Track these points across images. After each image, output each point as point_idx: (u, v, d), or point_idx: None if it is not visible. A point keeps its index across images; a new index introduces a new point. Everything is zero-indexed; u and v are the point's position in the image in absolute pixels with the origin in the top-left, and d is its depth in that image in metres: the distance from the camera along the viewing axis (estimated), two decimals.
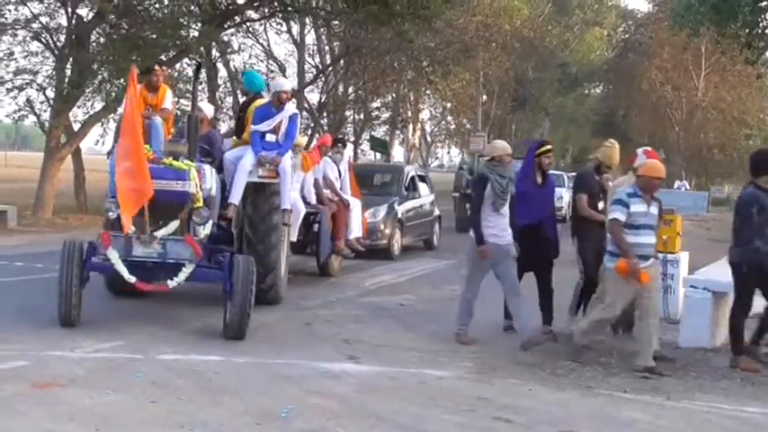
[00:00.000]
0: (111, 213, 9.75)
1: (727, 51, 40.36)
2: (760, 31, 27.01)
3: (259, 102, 12.39)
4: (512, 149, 10.51)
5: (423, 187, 21.48)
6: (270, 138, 12.02)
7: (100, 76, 25.44)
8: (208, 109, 12.77)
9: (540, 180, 10.92)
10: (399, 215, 18.95)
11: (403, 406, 7.34)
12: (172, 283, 9.60)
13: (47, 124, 25.08)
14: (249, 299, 9.49)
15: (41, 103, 26.18)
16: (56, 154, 24.08)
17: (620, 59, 63.06)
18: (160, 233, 9.61)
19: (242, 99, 14.74)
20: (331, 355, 9.19)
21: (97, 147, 31.12)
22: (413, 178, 21.00)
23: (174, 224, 9.76)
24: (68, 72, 24.13)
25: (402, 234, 19.25)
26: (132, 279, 9.44)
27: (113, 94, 25.43)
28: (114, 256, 9.40)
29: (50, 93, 25.30)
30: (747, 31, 26.93)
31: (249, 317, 9.55)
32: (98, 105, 26.60)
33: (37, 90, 25.97)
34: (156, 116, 11.39)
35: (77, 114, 26.18)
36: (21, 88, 25.75)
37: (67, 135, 24.75)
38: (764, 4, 25.79)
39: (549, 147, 11.08)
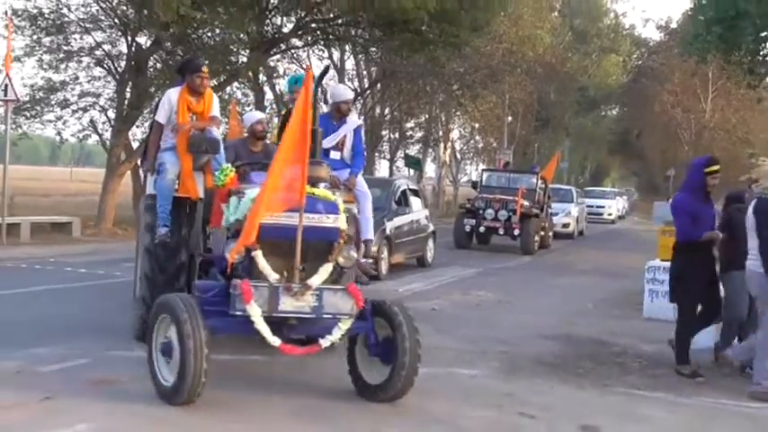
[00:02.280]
0: (226, 255, 7.10)
1: (731, 77, 40.11)
2: (761, 58, 26.78)
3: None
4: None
5: (415, 202, 19.23)
6: (334, 155, 9.43)
7: (156, 99, 25.50)
8: (256, 116, 9.97)
9: (704, 197, 9.15)
10: (387, 232, 16.77)
11: (437, 402, 7.30)
12: (325, 343, 6.94)
13: (108, 143, 25.23)
14: (418, 352, 7.12)
15: (103, 123, 26.39)
16: (116, 170, 24.21)
17: (635, 84, 62.71)
18: (313, 281, 6.89)
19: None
20: None
21: None
22: (404, 192, 18.67)
23: (327, 269, 7.04)
24: (128, 95, 24.29)
25: (390, 252, 16.94)
26: (277, 342, 6.72)
27: None
28: (257, 312, 6.61)
29: (111, 114, 25.50)
30: (750, 58, 26.72)
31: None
32: None
33: (99, 111, 26.23)
34: (213, 127, 9.10)
35: (136, 133, 26.35)
36: (85, 110, 26.03)
37: (127, 153, 24.87)
38: (765, 34, 25.56)
39: (717, 167, 9.10)
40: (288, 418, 6.72)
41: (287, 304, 6.75)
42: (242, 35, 23.97)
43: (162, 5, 18.53)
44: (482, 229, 24.07)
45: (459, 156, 57.18)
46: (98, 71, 25.66)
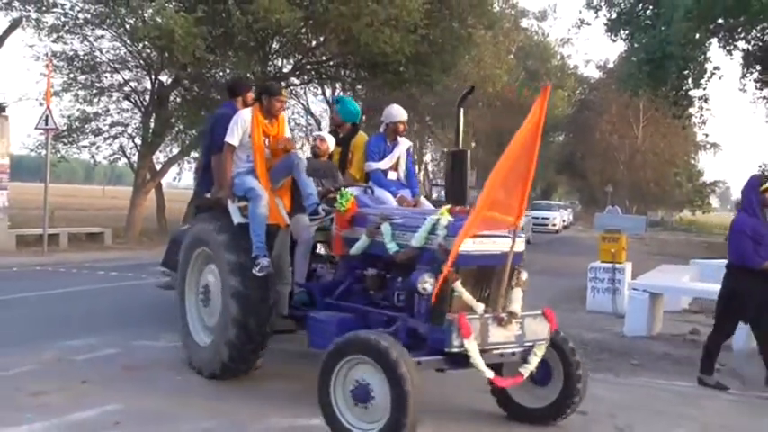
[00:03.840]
0: (426, 286, 5.56)
1: (659, 108, 40.56)
2: (683, 93, 27.04)
3: (362, 135, 8.55)
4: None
5: None
6: (391, 176, 8.17)
7: (176, 128, 25.60)
8: (330, 141, 8.24)
9: (764, 218, 7.74)
10: None
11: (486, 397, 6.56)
12: (525, 372, 5.80)
13: (135, 165, 25.20)
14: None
15: (131, 148, 26.23)
16: (142, 188, 24.21)
17: (578, 114, 63.10)
18: (514, 308, 5.72)
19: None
20: None
21: (174, 182, 31.34)
22: None
23: (518, 295, 5.87)
24: (152, 125, 24.29)
25: None
26: (491, 374, 5.49)
27: (187, 142, 25.69)
28: (474, 347, 5.35)
29: (138, 140, 25.39)
30: (674, 93, 26.87)
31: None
32: (175, 150, 26.80)
33: (127, 138, 26.10)
34: (296, 150, 7.70)
35: (159, 157, 26.32)
36: (115, 137, 25.91)
37: (151, 173, 24.89)
38: (686, 72, 25.85)
39: None
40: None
41: (496, 335, 5.55)
42: (249, 74, 23.98)
43: (181, 49, 18.52)
44: None
45: (431, 176, 57.21)
46: (126, 104, 25.64)
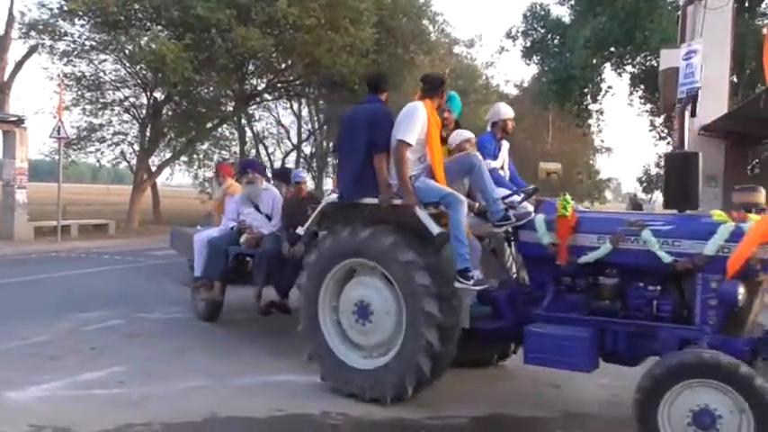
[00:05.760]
0: (741, 297, 4.38)
1: (565, 119, 41.17)
2: (584, 107, 27.60)
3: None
4: None
5: None
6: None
7: (168, 137, 25.41)
8: (466, 134, 6.11)
9: None
10: None
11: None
12: None
13: (134, 167, 24.92)
14: None
15: (130, 153, 25.98)
16: (140, 187, 23.88)
17: None
18: None
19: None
20: None
21: (167, 181, 31.02)
22: None
23: None
24: (148, 133, 23.98)
25: None
26: None
27: (178, 147, 25.51)
28: None
29: (136, 147, 25.11)
30: (577, 107, 27.42)
31: None
32: (167, 155, 26.52)
33: (127, 145, 25.86)
34: (473, 150, 5.80)
35: (154, 161, 25.98)
36: (117, 144, 25.70)
37: (148, 174, 24.58)
38: (586, 90, 26.38)
39: None
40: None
41: None
42: (229, 92, 23.85)
43: (171, 71, 18.33)
44: None
45: None
46: (126, 117, 25.29)
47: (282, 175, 9.37)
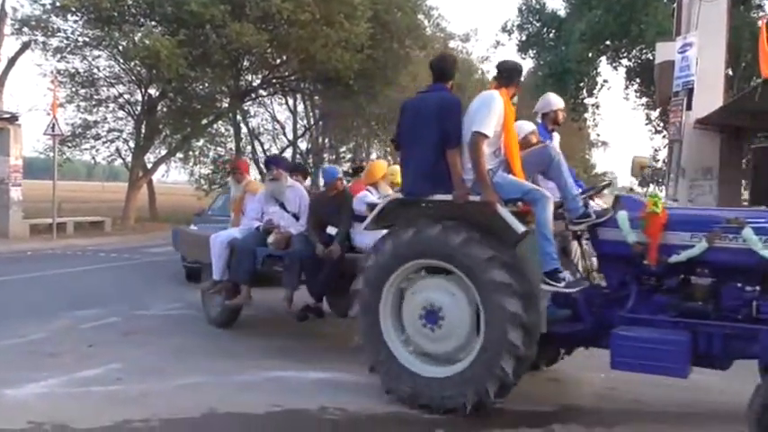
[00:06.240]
0: None
1: None
2: (580, 101, 27.60)
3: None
4: None
5: None
6: None
7: (163, 133, 25.37)
8: (529, 125, 5.82)
9: None
10: None
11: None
12: None
13: (129, 164, 24.84)
14: None
15: (125, 150, 25.95)
16: (135, 184, 23.88)
17: None
18: None
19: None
20: None
21: (163, 178, 30.97)
22: None
23: None
24: (143, 130, 23.94)
25: None
26: None
27: (173, 144, 25.48)
28: None
29: (131, 144, 25.08)
30: (573, 101, 27.40)
31: None
32: (162, 152, 26.51)
33: (122, 142, 25.88)
34: (549, 143, 5.64)
35: (149, 158, 26.01)
36: (112, 141, 25.69)
37: (143, 171, 24.60)
38: (582, 84, 26.41)
39: None
40: None
41: None
42: (223, 88, 23.79)
43: (166, 67, 18.29)
44: None
45: None
46: (121, 113, 25.30)
47: (300, 170, 8.67)
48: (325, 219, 6.79)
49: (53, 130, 18.08)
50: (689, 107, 11.96)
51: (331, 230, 7.00)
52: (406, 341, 5.18)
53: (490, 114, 4.85)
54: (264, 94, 28.79)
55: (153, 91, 23.78)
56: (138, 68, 22.02)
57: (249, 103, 28.72)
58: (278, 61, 24.51)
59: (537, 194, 4.78)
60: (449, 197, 4.89)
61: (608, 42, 25.31)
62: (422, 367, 5.07)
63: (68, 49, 21.71)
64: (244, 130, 30.68)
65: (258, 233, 7.31)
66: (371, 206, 5.58)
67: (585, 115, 30.94)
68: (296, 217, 7.40)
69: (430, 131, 4.97)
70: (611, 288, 5.06)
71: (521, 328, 4.65)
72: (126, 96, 24.62)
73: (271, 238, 7.11)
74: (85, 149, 25.17)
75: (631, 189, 33.13)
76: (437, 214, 4.99)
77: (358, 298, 5.26)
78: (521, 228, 4.70)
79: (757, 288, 4.55)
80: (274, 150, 34.00)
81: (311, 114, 35.31)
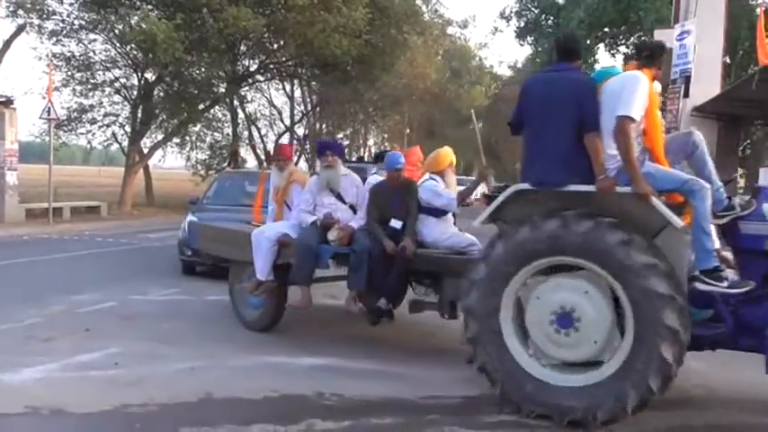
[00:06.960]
0: None
1: None
2: None
3: None
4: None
5: None
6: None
7: (160, 118, 25.23)
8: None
9: None
10: None
11: None
12: None
13: (126, 149, 24.73)
14: None
15: (122, 135, 25.81)
16: (132, 169, 23.77)
17: (493, 106, 63.45)
18: None
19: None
20: None
21: (159, 163, 30.89)
22: None
23: None
24: (139, 115, 23.83)
25: None
26: None
27: (170, 129, 25.40)
28: None
29: (127, 128, 24.95)
30: None
31: None
32: (159, 137, 26.40)
33: (119, 126, 25.70)
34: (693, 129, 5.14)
35: (146, 143, 25.90)
36: (108, 125, 25.49)
37: (140, 156, 24.50)
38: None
39: None
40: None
41: None
42: (220, 72, 23.70)
43: (162, 51, 18.18)
44: None
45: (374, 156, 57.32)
46: (117, 98, 25.13)
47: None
48: (388, 211, 6.20)
49: (49, 114, 17.97)
50: (686, 95, 11.97)
51: (394, 224, 6.23)
52: (531, 346, 4.66)
53: (636, 97, 4.38)
54: (262, 79, 28.69)
55: (149, 75, 23.66)
56: (135, 52, 21.89)
57: (246, 88, 28.63)
58: (275, 46, 24.41)
59: (696, 185, 4.34)
60: (590, 188, 4.42)
61: (606, 29, 25.27)
62: (549, 375, 4.58)
63: (64, 32, 21.59)
64: (241, 115, 30.65)
65: (316, 228, 6.44)
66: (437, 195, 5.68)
67: None
68: (353, 209, 6.66)
69: (564, 115, 4.53)
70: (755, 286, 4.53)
71: (676, 344, 4.23)
72: (122, 80, 24.49)
73: (332, 235, 6.28)
74: (81, 134, 25.06)
75: None
76: (570, 206, 4.48)
77: (467, 299, 4.74)
78: (679, 222, 4.29)
79: None
80: (271, 136, 33.97)
81: (308, 100, 35.22)
